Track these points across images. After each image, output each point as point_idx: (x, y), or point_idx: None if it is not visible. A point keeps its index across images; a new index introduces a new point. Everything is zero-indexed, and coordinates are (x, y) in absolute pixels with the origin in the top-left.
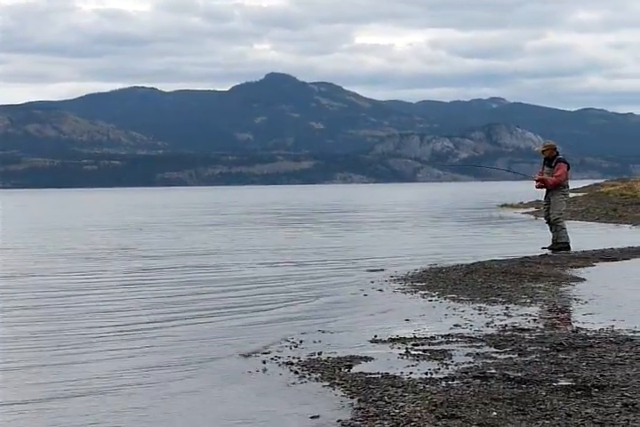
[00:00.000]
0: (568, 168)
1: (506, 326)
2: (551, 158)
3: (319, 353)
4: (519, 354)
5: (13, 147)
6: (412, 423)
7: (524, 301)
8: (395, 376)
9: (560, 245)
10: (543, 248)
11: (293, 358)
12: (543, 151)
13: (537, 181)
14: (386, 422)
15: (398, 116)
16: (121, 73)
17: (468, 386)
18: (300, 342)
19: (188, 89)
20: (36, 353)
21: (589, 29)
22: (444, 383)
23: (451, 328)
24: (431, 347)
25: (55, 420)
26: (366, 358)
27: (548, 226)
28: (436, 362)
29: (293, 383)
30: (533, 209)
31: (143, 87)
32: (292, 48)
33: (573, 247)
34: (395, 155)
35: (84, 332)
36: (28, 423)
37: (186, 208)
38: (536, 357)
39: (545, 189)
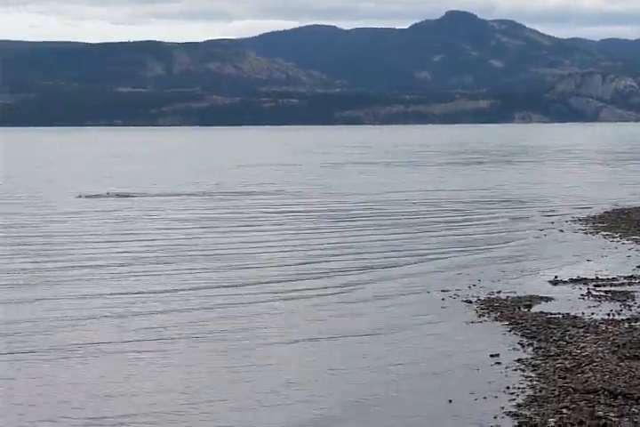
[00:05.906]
0: None
1: None
2: None
3: (498, 292)
4: None
5: (195, 84)
6: (595, 364)
7: None
8: (576, 317)
9: None
10: None
11: (472, 296)
12: None
13: None
14: (567, 362)
15: (580, 55)
16: (301, 10)
17: None
18: (479, 280)
19: (367, 27)
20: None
21: None
22: (626, 325)
23: (634, 269)
24: (613, 288)
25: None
26: (546, 298)
27: None
28: (618, 303)
29: (472, 322)
30: None
31: (323, 25)
32: None
33: None
34: (575, 94)
35: None
36: None
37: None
38: None
39: None
